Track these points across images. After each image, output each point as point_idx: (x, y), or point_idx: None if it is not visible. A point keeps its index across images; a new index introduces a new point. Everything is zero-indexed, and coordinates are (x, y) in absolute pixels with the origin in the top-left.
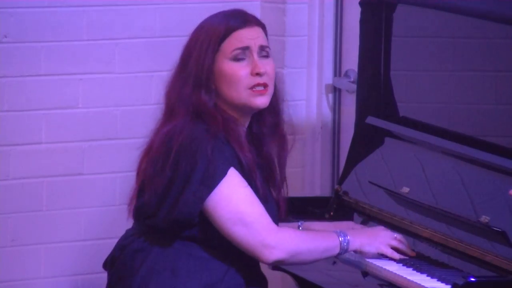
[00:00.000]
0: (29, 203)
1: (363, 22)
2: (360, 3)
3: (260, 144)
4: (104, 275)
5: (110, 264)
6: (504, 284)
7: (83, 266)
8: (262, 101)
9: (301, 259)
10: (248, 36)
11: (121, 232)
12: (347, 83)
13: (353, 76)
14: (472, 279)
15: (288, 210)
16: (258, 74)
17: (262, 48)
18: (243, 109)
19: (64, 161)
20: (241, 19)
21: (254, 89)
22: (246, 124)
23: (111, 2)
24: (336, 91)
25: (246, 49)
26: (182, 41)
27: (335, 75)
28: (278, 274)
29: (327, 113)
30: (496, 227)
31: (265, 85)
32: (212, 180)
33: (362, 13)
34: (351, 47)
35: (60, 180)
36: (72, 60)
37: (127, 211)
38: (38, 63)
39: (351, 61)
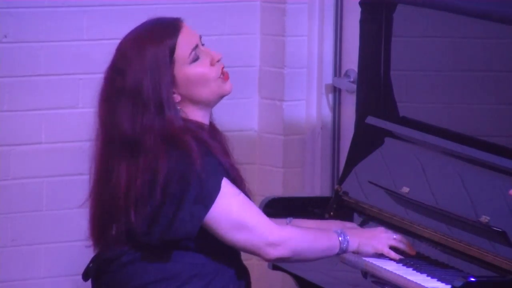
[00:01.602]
0: (29, 203)
1: (363, 22)
2: (360, 3)
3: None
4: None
5: (93, 275)
6: (504, 284)
7: (83, 266)
8: (230, 85)
9: (302, 256)
10: (190, 36)
11: None
12: (347, 83)
13: (353, 76)
14: (472, 279)
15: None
16: (218, 61)
17: (201, 38)
18: (213, 102)
19: (64, 161)
20: (171, 26)
21: (222, 76)
22: (208, 121)
23: (111, 2)
24: (336, 91)
25: (196, 47)
26: None
27: (335, 75)
28: (278, 274)
29: (327, 113)
30: (496, 227)
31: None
32: (209, 198)
33: (362, 13)
34: (351, 47)
35: (60, 180)
36: (72, 60)
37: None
38: (38, 63)
39: (351, 61)
